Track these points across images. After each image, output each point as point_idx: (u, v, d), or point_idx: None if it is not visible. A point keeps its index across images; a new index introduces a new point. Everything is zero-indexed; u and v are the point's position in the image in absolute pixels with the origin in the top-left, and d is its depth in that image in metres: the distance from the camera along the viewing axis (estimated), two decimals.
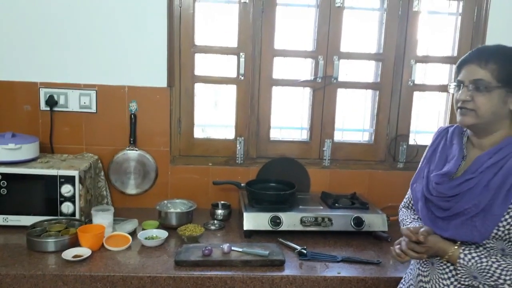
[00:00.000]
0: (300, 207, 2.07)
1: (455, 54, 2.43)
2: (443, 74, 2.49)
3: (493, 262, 1.17)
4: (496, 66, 1.19)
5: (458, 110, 1.26)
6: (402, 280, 1.52)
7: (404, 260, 1.30)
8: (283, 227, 1.95)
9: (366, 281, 1.66)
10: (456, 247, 1.23)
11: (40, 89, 2.24)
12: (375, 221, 1.99)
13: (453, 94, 1.30)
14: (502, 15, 2.31)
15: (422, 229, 1.26)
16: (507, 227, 1.17)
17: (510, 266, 1.16)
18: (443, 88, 2.47)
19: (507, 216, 1.17)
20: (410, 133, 2.46)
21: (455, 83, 1.29)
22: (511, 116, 1.24)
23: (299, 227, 1.96)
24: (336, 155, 2.44)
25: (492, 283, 1.18)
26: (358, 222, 1.98)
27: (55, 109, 2.25)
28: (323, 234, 2.00)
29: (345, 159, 2.45)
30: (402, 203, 1.59)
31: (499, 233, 1.18)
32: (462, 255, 1.21)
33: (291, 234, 1.96)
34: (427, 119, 2.51)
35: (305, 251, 1.80)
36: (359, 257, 1.80)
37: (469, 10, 2.37)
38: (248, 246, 1.79)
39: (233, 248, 1.76)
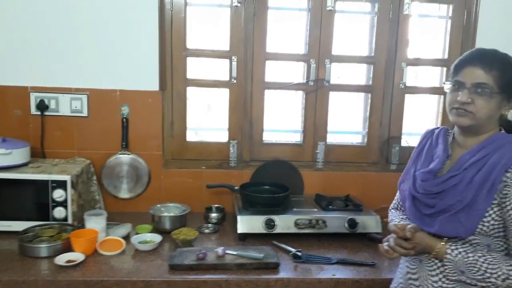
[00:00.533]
0: (294, 209, 2.08)
1: (446, 56, 2.45)
2: (434, 76, 2.52)
3: (479, 257, 1.20)
4: (499, 73, 1.22)
5: (454, 110, 1.27)
6: (393, 282, 1.52)
7: (392, 256, 1.33)
8: (277, 230, 1.94)
9: (361, 283, 1.66)
10: (443, 243, 1.26)
11: (31, 93, 2.21)
12: (369, 223, 2.00)
13: (447, 93, 1.31)
14: (491, 18, 2.35)
15: (409, 226, 1.30)
16: (491, 222, 1.21)
17: (496, 260, 1.19)
18: (434, 91, 2.50)
19: (491, 212, 1.21)
20: (402, 135, 2.48)
21: (452, 83, 1.29)
22: (499, 119, 1.30)
23: (294, 230, 1.96)
24: (329, 158, 2.45)
25: (479, 277, 1.20)
26: (352, 224, 1.99)
27: (46, 113, 2.23)
28: (318, 236, 2.00)
29: (338, 161, 2.46)
30: (392, 205, 1.62)
31: (484, 228, 1.22)
32: (449, 250, 1.24)
33: (285, 237, 1.95)
34: (419, 121, 2.53)
35: (299, 254, 1.80)
36: (354, 259, 1.80)
37: (458, 13, 2.40)
38: (243, 249, 1.79)
39: (227, 252, 1.75)
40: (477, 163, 1.25)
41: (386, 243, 1.35)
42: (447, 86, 1.31)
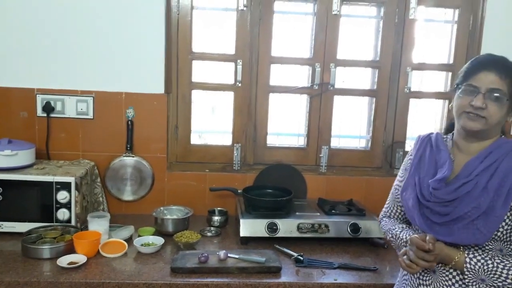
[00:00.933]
0: (297, 213, 2.07)
1: (451, 61, 2.44)
2: (439, 81, 2.50)
3: (498, 263, 1.20)
4: (511, 81, 1.23)
5: (465, 114, 1.26)
6: None
7: (415, 271, 1.26)
8: (279, 234, 1.94)
9: None
10: (460, 252, 1.24)
11: (37, 95, 2.23)
12: (372, 228, 1.99)
13: (458, 97, 1.29)
14: (497, 23, 2.33)
15: (428, 237, 1.24)
16: (505, 227, 1.21)
17: None
18: (439, 95, 2.48)
19: (505, 217, 1.20)
20: (407, 140, 2.47)
21: (464, 87, 1.27)
22: (503, 126, 1.32)
23: (296, 234, 1.96)
24: (333, 162, 2.45)
25: (500, 284, 1.20)
26: (355, 228, 1.98)
27: (52, 115, 2.25)
28: (320, 240, 2.00)
29: (342, 166, 2.46)
30: (382, 213, 1.58)
31: (499, 234, 1.22)
32: (468, 260, 1.22)
33: (287, 241, 1.95)
34: (423, 126, 2.52)
35: (301, 258, 1.80)
36: (356, 264, 1.80)
37: (464, 18, 2.39)
38: (245, 253, 1.79)
39: (229, 255, 1.75)
40: (489, 168, 1.24)
41: (405, 257, 1.29)
42: (463, 91, 1.27)
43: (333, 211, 2.11)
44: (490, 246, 1.24)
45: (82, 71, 2.23)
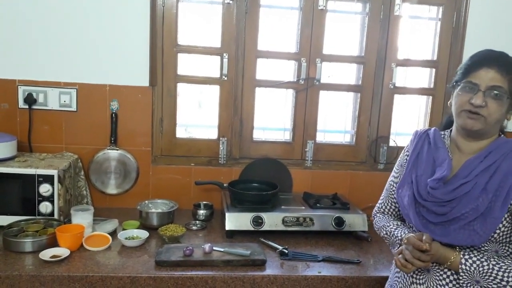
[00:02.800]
0: (282, 207, 2.08)
1: (435, 58, 2.48)
2: (423, 77, 2.54)
3: (493, 265, 1.18)
4: (511, 77, 1.19)
5: (465, 112, 1.22)
6: None
7: (410, 270, 1.25)
8: (265, 227, 1.95)
9: (346, 280, 1.68)
10: (456, 253, 1.22)
11: (19, 86, 2.19)
12: (356, 221, 2.01)
13: (457, 94, 1.25)
14: (481, 21, 2.38)
15: (424, 237, 1.22)
16: (503, 229, 1.20)
17: (510, 268, 1.17)
18: (423, 91, 2.52)
19: (502, 219, 1.19)
20: (391, 135, 2.50)
21: (463, 84, 1.23)
22: (502, 124, 1.28)
23: (281, 227, 1.97)
24: (318, 156, 2.47)
25: (495, 286, 1.18)
26: (339, 222, 2.00)
27: (34, 107, 2.21)
28: (305, 234, 2.02)
29: (327, 160, 2.48)
30: (376, 209, 1.56)
31: (495, 236, 1.20)
32: (463, 261, 1.20)
33: (273, 234, 1.96)
34: (407, 122, 2.55)
35: (286, 251, 1.81)
36: (340, 257, 1.82)
37: (448, 15, 2.42)
38: (230, 246, 1.79)
39: (214, 248, 1.75)
40: (488, 169, 1.21)
41: (401, 256, 1.27)
42: (462, 88, 1.23)
43: (318, 204, 2.13)
44: (486, 247, 1.22)
45: (65, 63, 2.20)
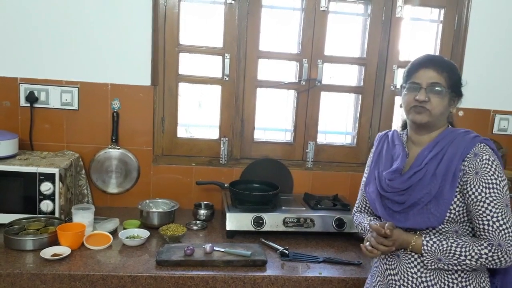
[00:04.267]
0: (283, 208, 2.08)
1: None
2: None
3: (451, 243, 1.29)
4: (447, 74, 1.35)
5: (412, 108, 1.36)
6: (368, 281, 1.57)
7: (375, 255, 1.38)
8: (265, 228, 1.95)
9: (347, 282, 1.68)
10: (417, 236, 1.34)
11: (20, 85, 2.19)
12: None
13: (404, 95, 1.40)
14: (482, 23, 2.38)
15: (386, 224, 1.35)
16: (457, 209, 1.31)
17: (467, 243, 1.28)
18: None
19: (455, 199, 1.30)
20: None
21: (408, 85, 1.38)
22: (448, 117, 1.43)
23: (282, 228, 1.97)
24: (319, 157, 2.47)
25: (455, 261, 1.28)
26: (340, 223, 2.00)
27: (36, 105, 2.21)
28: (305, 235, 2.02)
29: (328, 161, 2.48)
30: (355, 208, 1.66)
31: (452, 215, 1.31)
32: (424, 242, 1.31)
33: (273, 235, 1.96)
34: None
35: (287, 252, 1.81)
36: (340, 258, 1.82)
37: (450, 18, 2.43)
38: (231, 246, 1.79)
39: (215, 248, 1.75)
40: (436, 157, 1.34)
41: (368, 243, 1.40)
42: (407, 88, 1.38)
43: (318, 206, 2.13)
44: (446, 229, 1.33)
45: (67, 61, 2.20)
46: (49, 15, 2.15)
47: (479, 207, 1.27)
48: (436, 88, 1.33)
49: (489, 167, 1.27)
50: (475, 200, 1.28)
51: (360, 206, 1.63)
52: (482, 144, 1.31)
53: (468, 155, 1.31)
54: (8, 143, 1.99)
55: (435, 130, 1.39)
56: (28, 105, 2.19)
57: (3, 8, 2.12)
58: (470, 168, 1.29)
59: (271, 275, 1.65)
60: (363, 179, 1.59)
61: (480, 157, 1.28)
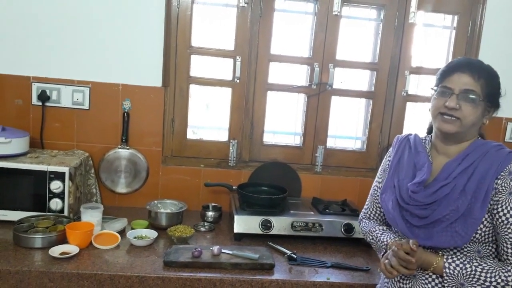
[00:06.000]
0: (291, 211, 2.07)
1: None
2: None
3: (476, 267, 1.20)
4: (485, 82, 1.24)
5: (440, 115, 1.27)
6: None
7: (394, 276, 1.28)
8: (273, 231, 1.94)
9: None
10: (439, 258, 1.25)
11: (33, 83, 2.21)
12: None
13: (433, 99, 1.30)
14: (496, 30, 2.36)
15: (410, 241, 1.24)
16: (484, 229, 1.22)
17: (492, 268, 1.20)
18: None
19: (483, 219, 1.22)
20: None
21: (439, 89, 1.29)
22: (479, 128, 1.33)
23: (290, 232, 1.96)
24: (328, 162, 2.46)
25: (479, 287, 1.20)
26: (348, 228, 1.99)
27: (47, 104, 2.22)
28: (313, 239, 2.01)
29: (337, 166, 2.47)
30: (362, 214, 1.58)
31: (477, 236, 1.23)
32: (446, 264, 1.23)
33: (281, 239, 1.95)
34: (419, 129, 2.53)
35: (295, 256, 1.80)
36: (349, 264, 1.80)
37: (463, 24, 2.41)
38: (238, 249, 1.78)
39: (223, 251, 1.75)
40: (466, 171, 1.25)
41: (387, 261, 1.30)
42: (437, 92, 1.29)
43: (327, 210, 2.12)
44: (468, 248, 1.25)
45: (79, 61, 2.21)
46: (62, 16, 2.17)
47: (510, 230, 1.19)
48: (470, 96, 1.23)
49: None
50: (505, 222, 1.19)
51: (369, 213, 1.55)
52: None
53: (502, 173, 1.21)
54: (19, 141, 2.00)
55: (465, 141, 1.29)
56: (40, 103, 2.21)
57: (18, 7, 2.14)
58: (503, 188, 1.20)
59: (279, 279, 1.64)
60: (375, 183, 1.52)
61: None
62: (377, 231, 1.45)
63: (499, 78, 1.29)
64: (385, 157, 1.51)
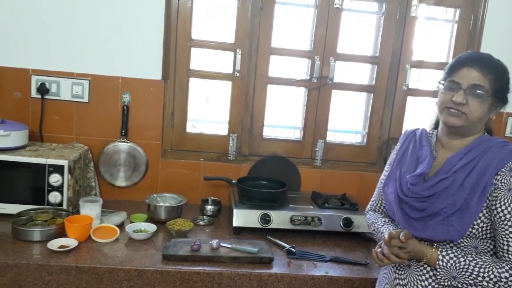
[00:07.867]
0: (290, 206, 2.07)
1: (450, 60, 2.43)
2: (436, 79, 2.50)
3: (470, 261, 1.20)
4: (493, 77, 1.23)
5: (447, 110, 1.26)
6: (377, 285, 1.51)
7: (385, 264, 1.31)
8: (272, 225, 1.94)
9: (353, 281, 1.67)
10: (433, 249, 1.25)
11: (32, 76, 2.20)
12: (364, 223, 1.96)
13: (440, 93, 1.30)
14: (498, 24, 2.34)
15: (402, 233, 1.25)
16: (481, 225, 1.22)
17: (486, 264, 1.19)
18: (437, 94, 2.48)
19: (480, 214, 1.21)
20: None
21: (447, 83, 1.28)
22: (486, 123, 1.32)
23: (289, 226, 1.96)
24: (328, 156, 2.45)
25: (471, 281, 1.20)
26: (347, 222, 1.98)
27: (47, 97, 2.21)
28: (312, 233, 2.00)
29: (337, 160, 2.46)
30: (369, 206, 1.59)
31: (474, 231, 1.22)
32: (440, 257, 1.23)
33: (280, 232, 1.95)
34: (420, 124, 2.51)
35: (293, 250, 1.80)
36: (347, 258, 1.80)
37: (465, 18, 2.39)
38: (237, 243, 1.78)
39: (222, 244, 1.75)
40: (467, 165, 1.24)
41: (379, 250, 1.31)
42: (444, 86, 1.29)
43: (326, 204, 2.11)
44: (465, 243, 1.24)
45: (79, 54, 2.20)
46: (61, 8, 2.15)
47: (507, 227, 1.18)
48: (477, 91, 1.22)
49: None
50: (503, 218, 1.18)
51: (375, 205, 1.56)
52: None
53: (503, 169, 1.20)
54: (18, 134, 2.00)
55: (470, 136, 1.29)
56: (39, 96, 2.20)
57: (17, 0, 2.13)
58: (503, 184, 1.19)
59: (278, 273, 1.64)
60: (382, 176, 1.51)
61: None
62: (378, 223, 1.46)
63: (508, 74, 1.27)
64: (393, 150, 1.52)
